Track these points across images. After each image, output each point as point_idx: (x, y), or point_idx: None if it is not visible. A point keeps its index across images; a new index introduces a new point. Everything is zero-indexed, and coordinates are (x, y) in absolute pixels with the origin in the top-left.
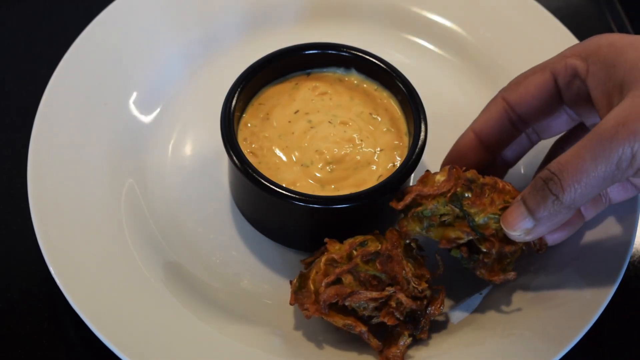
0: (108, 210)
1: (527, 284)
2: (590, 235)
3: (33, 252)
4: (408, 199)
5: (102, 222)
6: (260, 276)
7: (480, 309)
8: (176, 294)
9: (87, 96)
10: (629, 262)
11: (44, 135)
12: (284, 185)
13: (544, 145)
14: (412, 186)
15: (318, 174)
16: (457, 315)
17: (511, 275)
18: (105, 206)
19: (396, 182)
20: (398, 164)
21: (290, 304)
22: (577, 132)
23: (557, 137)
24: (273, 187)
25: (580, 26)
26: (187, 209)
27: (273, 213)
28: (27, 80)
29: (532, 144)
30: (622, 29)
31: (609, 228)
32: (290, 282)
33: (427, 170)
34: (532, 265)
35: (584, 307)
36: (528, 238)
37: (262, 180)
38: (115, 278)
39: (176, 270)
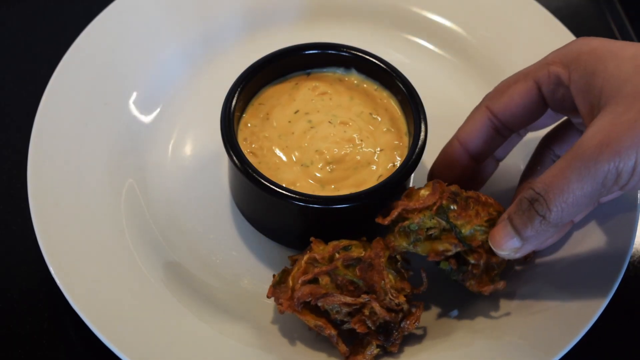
0: (108, 210)
1: (522, 287)
2: (589, 236)
3: (33, 252)
4: (394, 213)
5: (102, 222)
6: (260, 276)
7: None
8: (176, 294)
9: (87, 96)
10: (629, 262)
11: (44, 135)
12: (283, 185)
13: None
14: (397, 201)
15: (318, 174)
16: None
17: (500, 284)
18: (105, 206)
19: (396, 182)
20: (398, 164)
21: (267, 296)
22: (564, 130)
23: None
24: (273, 187)
25: (580, 26)
26: (187, 208)
27: (273, 213)
28: (27, 80)
29: (521, 137)
30: (622, 29)
31: (609, 228)
32: (273, 275)
33: (412, 186)
34: (528, 267)
35: (584, 307)
36: (517, 256)
37: (262, 180)
38: (115, 278)
39: (176, 270)
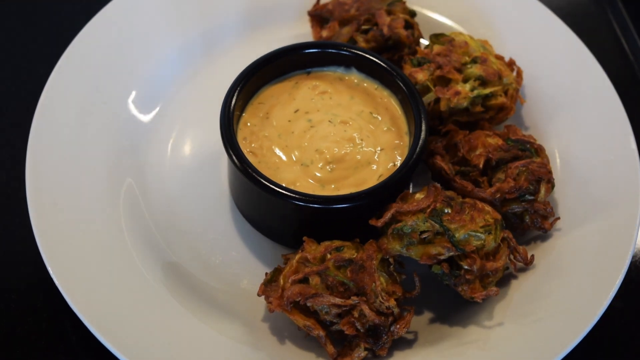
0: (107, 210)
1: (518, 291)
2: (589, 237)
3: (32, 252)
4: (387, 215)
5: (101, 222)
6: (260, 276)
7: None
8: (176, 294)
9: (86, 95)
10: (630, 263)
11: (42, 135)
12: (283, 185)
13: None
14: (391, 204)
15: (318, 174)
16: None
17: (493, 291)
18: (104, 206)
19: (396, 182)
20: (398, 163)
21: (258, 294)
22: None
23: None
24: (273, 186)
25: (582, 25)
26: (187, 208)
27: (273, 213)
28: (26, 80)
29: None
30: (623, 28)
31: (609, 229)
32: (266, 273)
33: (407, 190)
34: (527, 269)
35: (585, 307)
36: None
37: (262, 180)
38: (114, 278)
39: (176, 270)
